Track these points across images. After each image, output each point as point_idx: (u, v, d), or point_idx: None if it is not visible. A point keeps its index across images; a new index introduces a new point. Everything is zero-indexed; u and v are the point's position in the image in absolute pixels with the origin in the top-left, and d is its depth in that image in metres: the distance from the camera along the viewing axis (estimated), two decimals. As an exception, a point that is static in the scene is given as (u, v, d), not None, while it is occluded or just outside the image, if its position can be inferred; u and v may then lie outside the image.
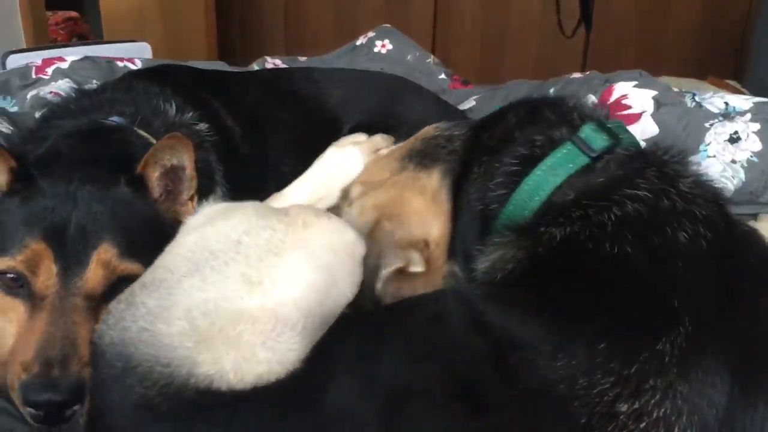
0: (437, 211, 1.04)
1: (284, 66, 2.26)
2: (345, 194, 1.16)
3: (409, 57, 2.32)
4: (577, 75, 1.92)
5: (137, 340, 0.79)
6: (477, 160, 1.03)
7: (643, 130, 1.58)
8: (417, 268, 0.99)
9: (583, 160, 0.94)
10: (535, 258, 0.87)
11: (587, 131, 0.97)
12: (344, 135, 1.69)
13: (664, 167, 0.92)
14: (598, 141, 0.95)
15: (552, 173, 0.94)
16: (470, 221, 1.01)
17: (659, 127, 1.58)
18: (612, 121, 1.04)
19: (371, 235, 0.99)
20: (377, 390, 0.73)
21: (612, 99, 1.67)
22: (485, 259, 0.94)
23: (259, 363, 0.77)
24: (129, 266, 0.98)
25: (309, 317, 0.81)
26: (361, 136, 1.26)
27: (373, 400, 0.72)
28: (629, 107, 1.63)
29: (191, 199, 1.14)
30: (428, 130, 1.15)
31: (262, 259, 0.84)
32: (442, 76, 2.25)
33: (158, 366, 0.76)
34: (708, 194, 0.91)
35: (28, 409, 0.88)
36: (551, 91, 1.92)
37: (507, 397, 0.71)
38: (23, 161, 1.04)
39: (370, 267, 0.96)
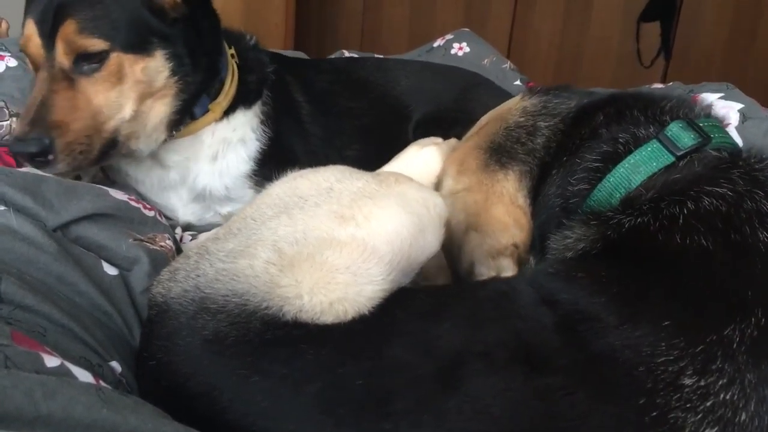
0: (518, 214, 1.03)
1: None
2: (438, 184, 1.13)
3: (485, 61, 2.31)
4: (658, 85, 1.86)
5: (214, 280, 0.77)
6: (557, 162, 1.01)
7: (726, 143, 1.51)
8: (509, 273, 0.98)
9: (668, 158, 0.91)
10: (605, 240, 0.86)
11: (674, 129, 0.93)
12: (412, 125, 1.69)
13: (754, 170, 0.88)
14: (685, 139, 0.92)
15: (634, 171, 0.92)
16: (549, 218, 0.99)
17: (743, 141, 1.51)
18: (706, 119, 0.99)
19: (462, 239, 1.00)
20: (438, 349, 0.72)
21: (694, 109, 1.60)
22: (557, 237, 0.93)
23: (336, 286, 0.76)
24: (88, 41, 1.14)
25: (397, 255, 0.80)
26: (438, 139, 1.25)
27: (432, 358, 0.71)
28: (713, 118, 1.56)
29: None
30: (512, 111, 1.11)
31: (355, 201, 0.83)
32: (518, 82, 2.23)
33: (234, 298, 0.75)
34: None
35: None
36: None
37: (571, 360, 0.70)
38: None
39: (463, 272, 1.00)
